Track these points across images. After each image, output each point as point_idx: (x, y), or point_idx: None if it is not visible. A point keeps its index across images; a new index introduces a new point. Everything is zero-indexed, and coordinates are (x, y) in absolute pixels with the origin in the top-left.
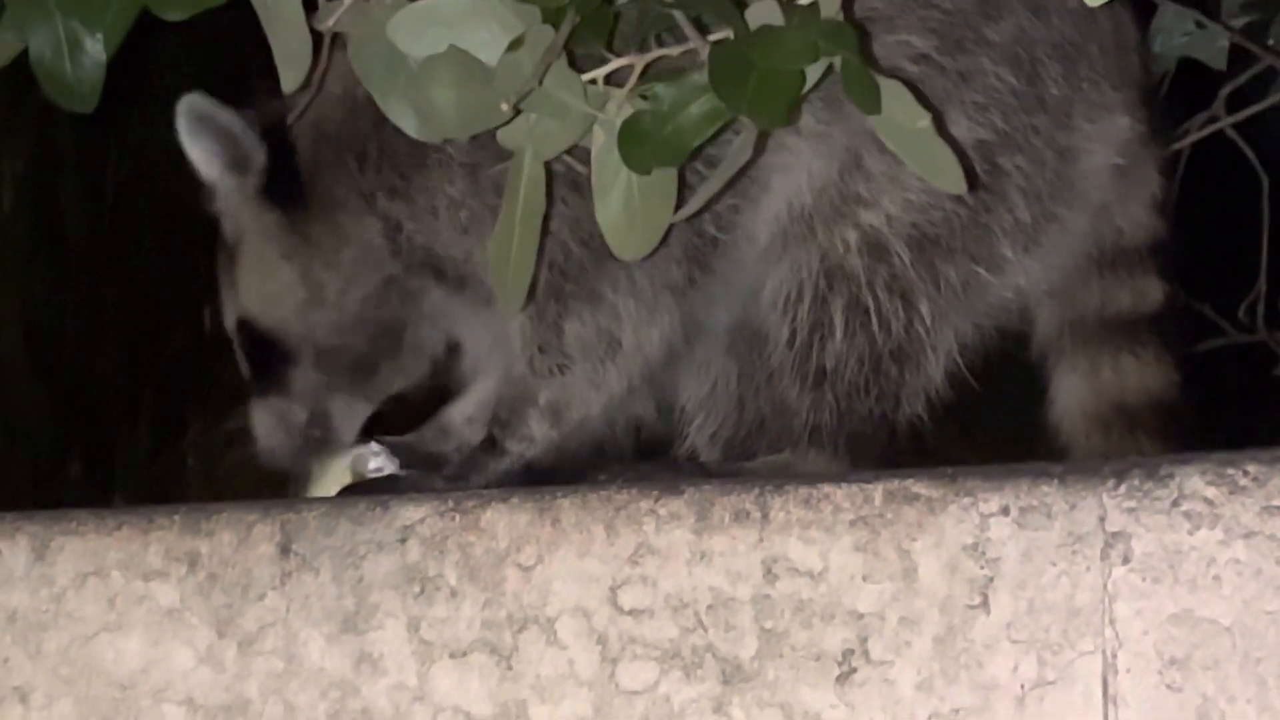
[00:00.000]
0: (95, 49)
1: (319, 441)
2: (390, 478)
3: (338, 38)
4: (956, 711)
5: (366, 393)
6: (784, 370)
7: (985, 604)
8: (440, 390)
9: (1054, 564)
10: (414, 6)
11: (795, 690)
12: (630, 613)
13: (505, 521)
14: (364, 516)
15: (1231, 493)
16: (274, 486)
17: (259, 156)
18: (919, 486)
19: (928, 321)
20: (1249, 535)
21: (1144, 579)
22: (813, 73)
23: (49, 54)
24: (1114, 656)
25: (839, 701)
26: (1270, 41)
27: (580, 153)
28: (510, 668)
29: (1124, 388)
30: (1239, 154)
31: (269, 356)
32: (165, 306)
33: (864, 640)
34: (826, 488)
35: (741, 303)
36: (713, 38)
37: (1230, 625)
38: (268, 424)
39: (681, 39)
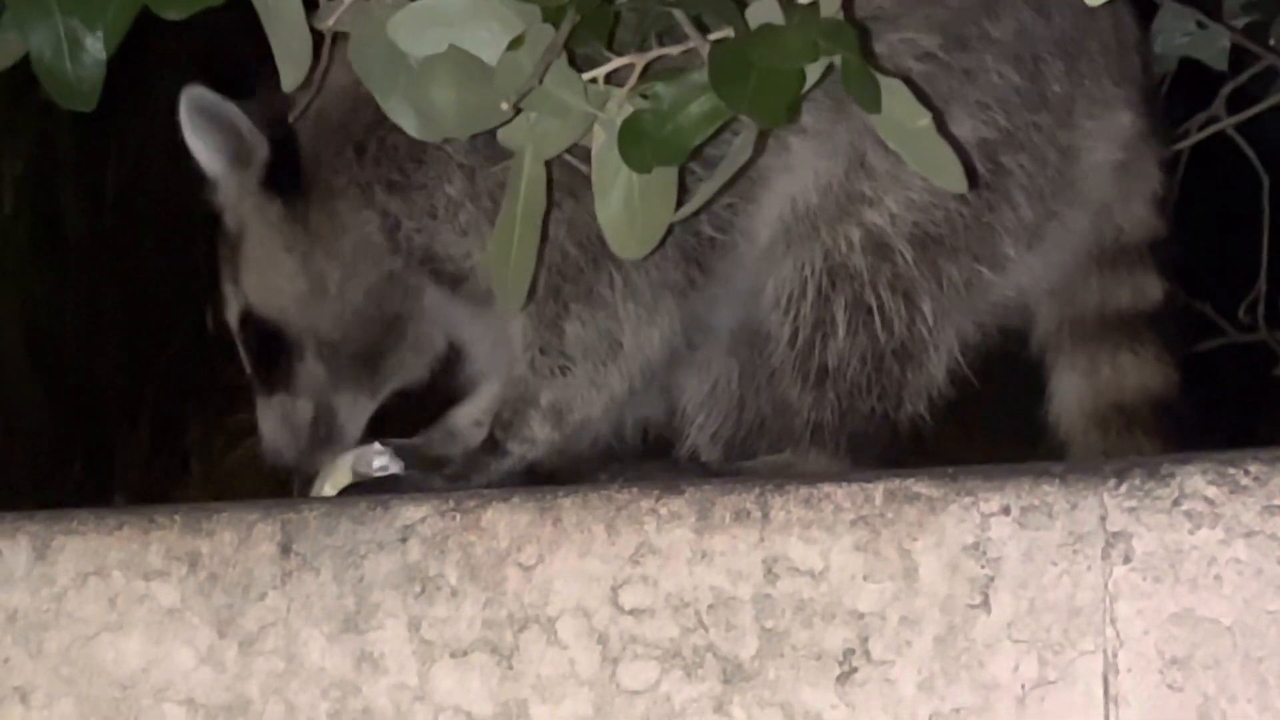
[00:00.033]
0: (95, 48)
1: (325, 439)
2: (391, 477)
3: (339, 35)
4: (957, 711)
5: (370, 387)
6: (785, 369)
7: (986, 603)
8: (447, 393)
9: (1055, 563)
10: (414, 6)
11: (796, 690)
12: (631, 612)
13: (506, 521)
14: (365, 516)
15: (1232, 492)
16: (275, 486)
17: (261, 148)
18: (920, 486)
19: (930, 320)
20: (1250, 535)
21: (1145, 578)
22: (813, 72)
23: (49, 53)
24: (1115, 656)
25: (840, 701)
26: (1272, 41)
27: (580, 152)
28: (511, 667)
29: (1123, 386)
30: (1239, 153)
31: (273, 352)
32: (165, 307)
33: (865, 640)
34: (827, 487)
35: (743, 302)
36: (713, 37)
37: (1231, 625)
38: (273, 422)
39: (682, 38)
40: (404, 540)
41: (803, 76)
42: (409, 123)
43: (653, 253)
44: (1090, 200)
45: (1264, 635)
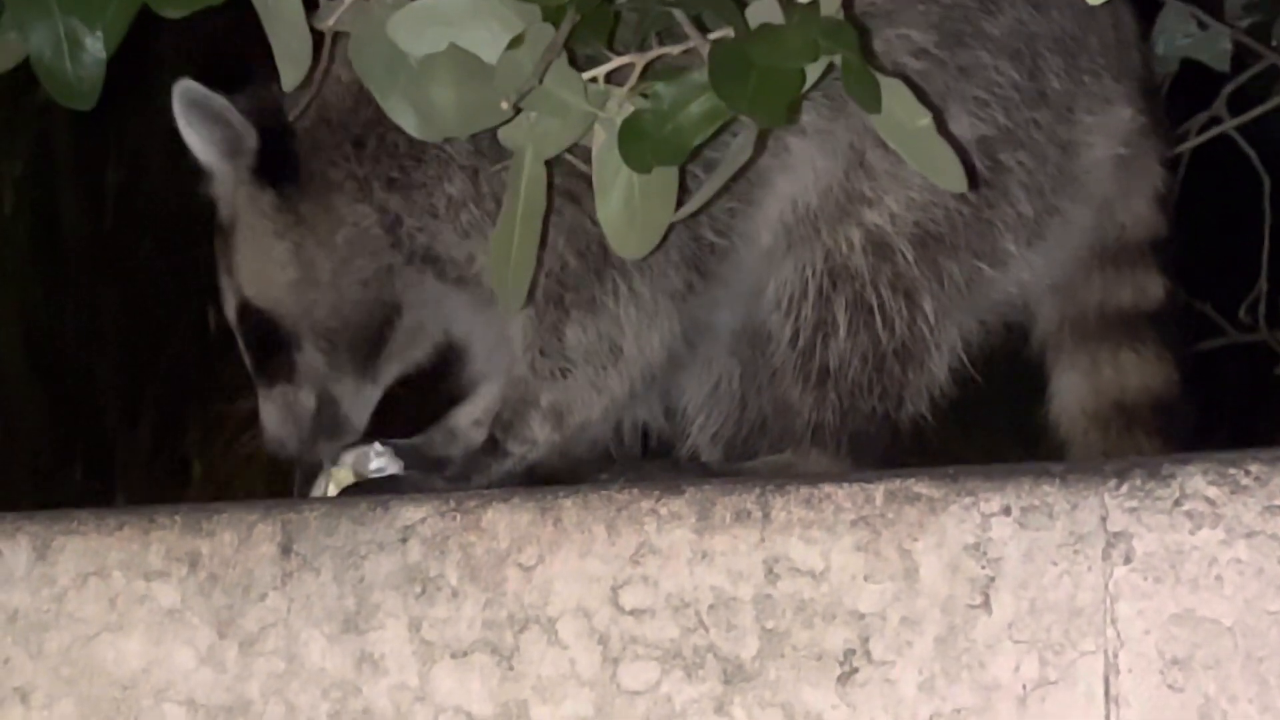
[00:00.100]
0: (95, 47)
1: (330, 428)
2: (391, 478)
3: (339, 34)
4: (958, 711)
5: (371, 375)
6: (786, 369)
7: (987, 604)
8: (447, 393)
9: (1055, 564)
10: (414, 5)
11: (797, 690)
12: (632, 612)
13: (506, 521)
14: (365, 517)
15: (1233, 492)
16: (276, 484)
17: (251, 138)
18: (920, 486)
19: (931, 319)
20: (1251, 535)
21: (1146, 579)
22: (813, 71)
23: (49, 52)
24: (1116, 656)
25: (840, 701)
26: (1273, 42)
27: (581, 154)
28: (511, 668)
29: (1124, 385)
30: (1240, 153)
31: (271, 343)
32: (165, 307)
33: (865, 640)
34: (828, 487)
35: (743, 303)
36: (713, 36)
37: (1232, 625)
38: (274, 413)
39: (682, 38)
40: (404, 541)
41: (803, 76)
42: (409, 122)
43: (653, 258)
44: (1091, 196)
45: (1265, 635)
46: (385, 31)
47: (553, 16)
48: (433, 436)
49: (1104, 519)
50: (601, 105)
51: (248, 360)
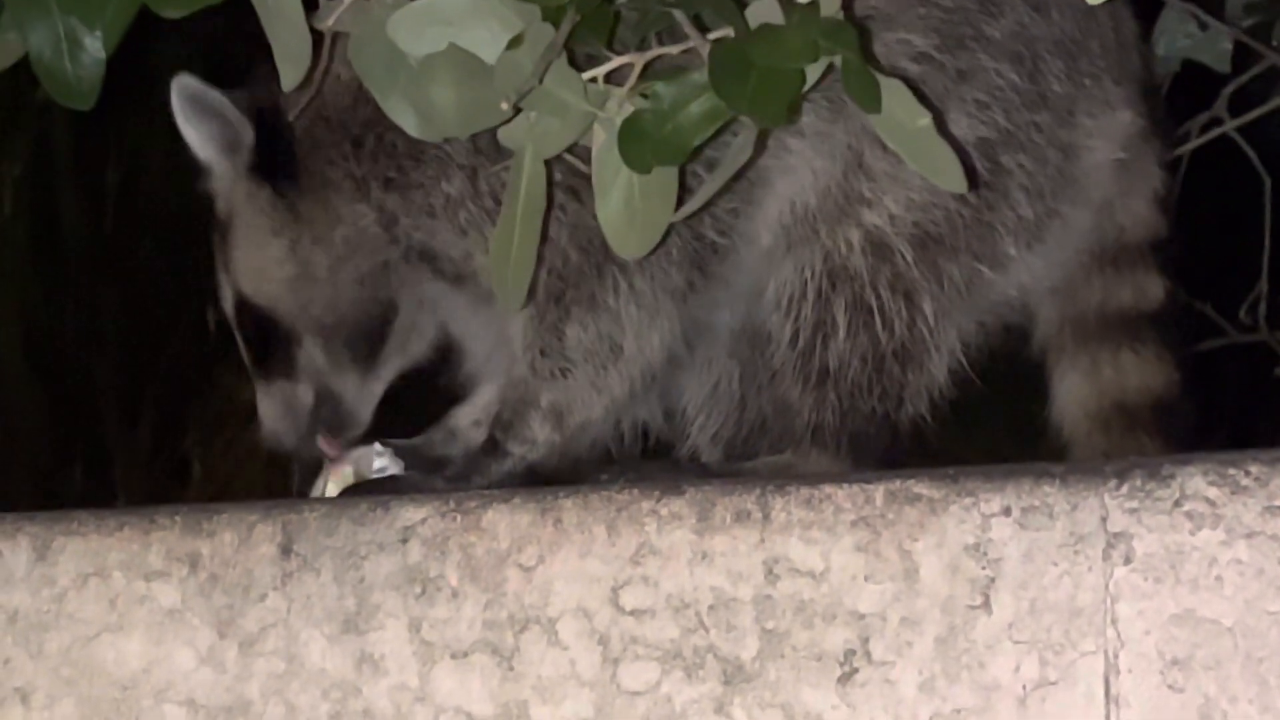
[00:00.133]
0: (94, 46)
1: (335, 423)
2: (391, 478)
3: (339, 33)
4: (958, 712)
5: (372, 370)
6: (786, 370)
7: (987, 604)
8: (447, 393)
9: (1056, 564)
10: (414, 5)
11: (797, 691)
12: (632, 613)
13: (506, 522)
14: (365, 517)
15: (1233, 493)
16: (276, 480)
17: (247, 135)
18: (920, 487)
19: (931, 321)
20: (1251, 535)
21: (1146, 579)
22: (813, 72)
23: (49, 52)
24: (1116, 657)
25: (840, 702)
26: (1274, 42)
27: (581, 153)
28: (512, 668)
29: (1125, 386)
30: (1241, 154)
31: (270, 338)
32: (165, 308)
33: (865, 641)
34: (828, 488)
35: (743, 304)
36: (713, 36)
37: (1232, 625)
38: (273, 407)
39: (682, 37)
40: (404, 541)
41: (802, 76)
42: (409, 122)
43: (655, 257)
44: (1091, 199)
45: (1265, 636)
46: (385, 31)
47: (552, 16)
48: (433, 437)
49: (1104, 519)
50: (601, 105)
51: (245, 355)
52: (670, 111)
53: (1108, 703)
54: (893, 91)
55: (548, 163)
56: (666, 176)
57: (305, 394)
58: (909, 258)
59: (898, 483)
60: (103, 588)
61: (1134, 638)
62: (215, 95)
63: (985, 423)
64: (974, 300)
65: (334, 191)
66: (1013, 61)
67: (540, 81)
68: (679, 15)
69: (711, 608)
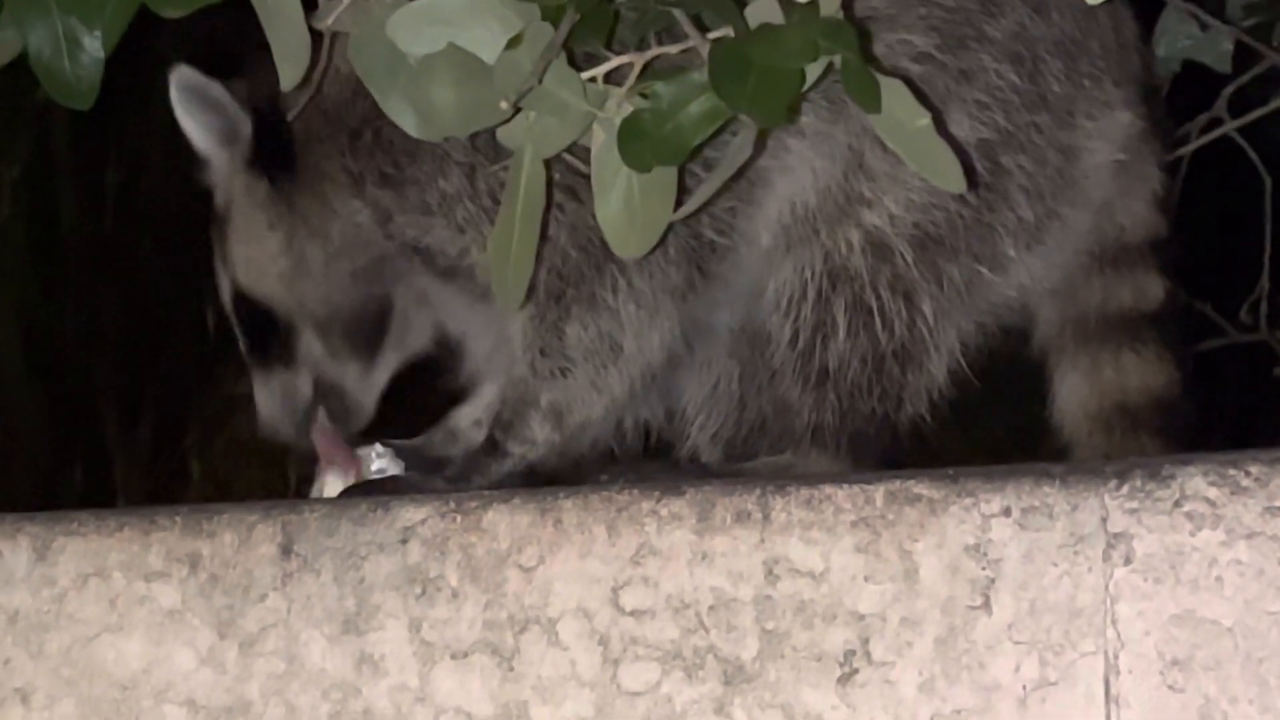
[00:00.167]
0: (93, 46)
1: (338, 415)
2: (392, 478)
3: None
4: (958, 712)
5: (375, 361)
6: (786, 370)
7: (987, 605)
8: (447, 393)
9: (1056, 565)
10: (413, 5)
11: (797, 691)
12: (632, 613)
13: (507, 522)
14: (365, 517)
15: (1233, 493)
16: (275, 488)
17: (245, 126)
18: (920, 487)
19: (930, 321)
20: (1251, 536)
21: (1146, 580)
22: (812, 71)
23: (48, 51)
24: (1116, 657)
25: (840, 702)
26: (1275, 43)
27: (581, 153)
28: (512, 669)
29: (1126, 387)
30: (1241, 154)
31: (268, 328)
32: (164, 308)
33: (865, 641)
34: (828, 488)
35: (743, 304)
36: (712, 36)
37: (1232, 626)
38: (271, 397)
39: (681, 37)
40: (404, 541)
41: (802, 75)
42: (408, 122)
43: (654, 256)
44: (1091, 200)
45: (1265, 636)
46: (384, 31)
47: (552, 16)
48: (433, 437)
49: (1104, 520)
50: (601, 105)
51: (243, 345)
52: (670, 111)
53: (1108, 703)
54: (892, 91)
55: (547, 162)
56: (666, 176)
57: (304, 383)
58: (909, 258)
59: (898, 483)
60: (103, 588)
61: (1134, 638)
62: (215, 87)
63: (985, 423)
64: (974, 301)
65: (330, 185)
66: (1013, 62)
67: (539, 81)
68: (679, 14)
69: (712, 608)
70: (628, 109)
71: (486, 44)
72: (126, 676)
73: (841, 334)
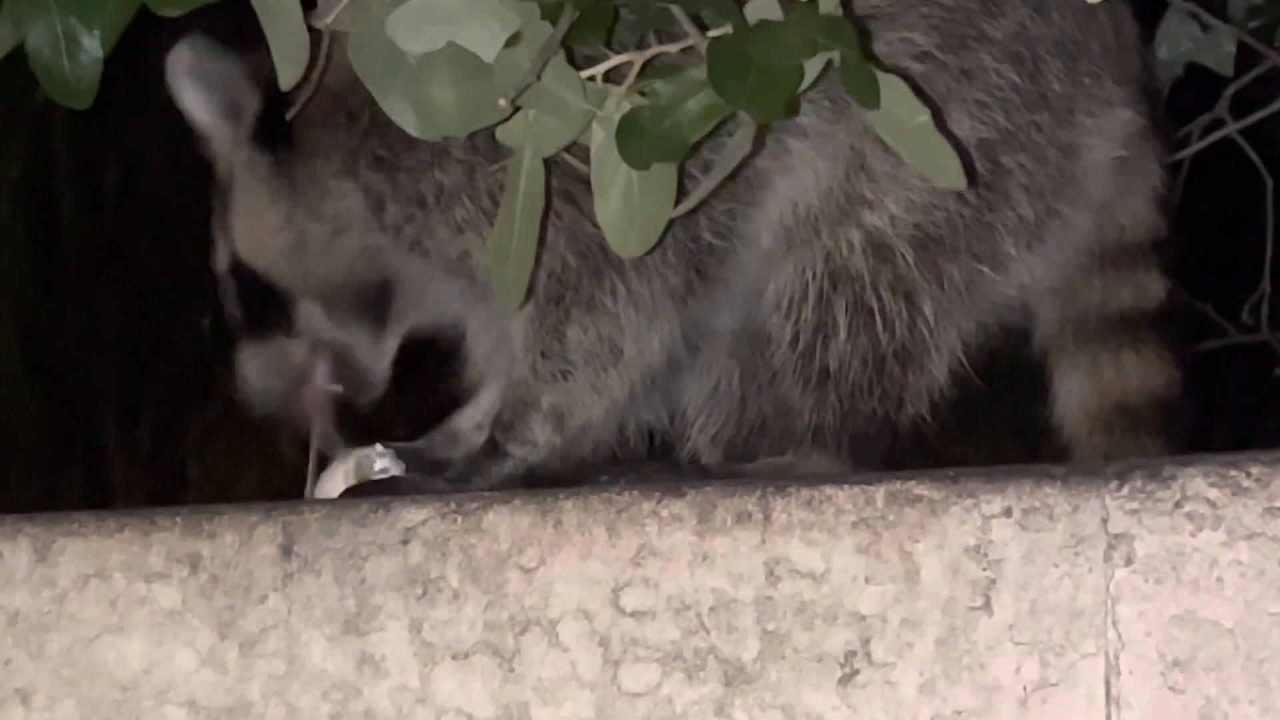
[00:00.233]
0: (92, 45)
1: (350, 384)
2: (392, 479)
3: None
4: (959, 713)
5: (383, 330)
6: (787, 371)
7: (987, 605)
8: (448, 395)
9: (1056, 565)
10: (412, 3)
11: (797, 692)
12: (632, 614)
13: (507, 523)
14: (366, 518)
15: (1234, 494)
16: (274, 488)
17: (252, 102)
18: (921, 488)
19: (931, 321)
20: (1251, 537)
21: (1146, 580)
22: (811, 68)
23: (47, 50)
24: (1116, 658)
25: (841, 703)
26: (1278, 44)
27: (579, 154)
28: (512, 669)
29: (1126, 387)
30: (1242, 154)
31: (264, 298)
32: (164, 309)
33: (866, 642)
34: (829, 489)
35: (743, 304)
36: (712, 34)
37: (1233, 627)
38: (258, 367)
39: (680, 36)
40: (405, 542)
41: (801, 72)
42: (408, 121)
43: (654, 260)
44: (1091, 199)
45: (1266, 637)
46: (384, 30)
47: (551, 14)
48: (434, 439)
49: (1105, 521)
50: (600, 103)
51: (236, 314)
52: (668, 108)
53: (1108, 704)
54: (892, 88)
55: (547, 166)
56: (665, 174)
57: (297, 351)
58: (910, 259)
59: (898, 484)
60: (103, 589)
61: (1135, 639)
62: (223, 62)
63: (985, 423)
64: (974, 301)
65: (324, 162)
66: (1014, 62)
67: (538, 79)
68: (678, 13)
69: (712, 609)
70: (627, 108)
71: (486, 42)
72: (127, 677)
73: (842, 335)
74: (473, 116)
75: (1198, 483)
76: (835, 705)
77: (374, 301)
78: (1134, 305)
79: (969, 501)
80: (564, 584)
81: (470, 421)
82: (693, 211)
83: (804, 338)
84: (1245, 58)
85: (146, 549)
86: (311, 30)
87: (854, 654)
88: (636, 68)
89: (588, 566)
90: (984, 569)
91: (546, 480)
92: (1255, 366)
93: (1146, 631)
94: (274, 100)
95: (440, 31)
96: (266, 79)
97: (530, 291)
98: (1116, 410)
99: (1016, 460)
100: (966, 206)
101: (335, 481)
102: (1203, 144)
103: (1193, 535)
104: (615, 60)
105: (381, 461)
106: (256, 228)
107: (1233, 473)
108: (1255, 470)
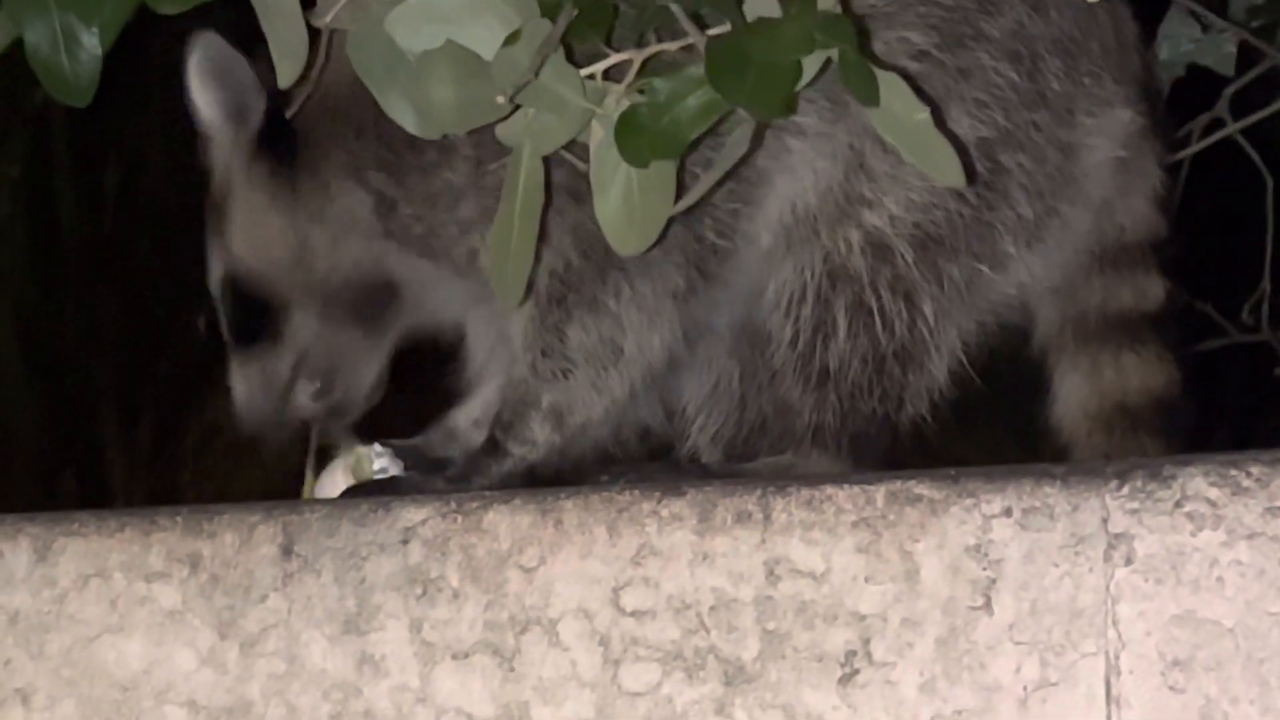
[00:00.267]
0: (91, 43)
1: (341, 392)
2: (392, 479)
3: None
4: (959, 713)
5: (375, 338)
6: (787, 371)
7: (988, 605)
8: (447, 393)
9: (1056, 565)
10: (411, 2)
11: (798, 691)
12: (632, 614)
13: (507, 523)
14: (366, 518)
15: (1234, 494)
16: (274, 488)
17: (259, 106)
18: (921, 488)
19: (931, 321)
20: (1252, 536)
21: (1147, 580)
22: (810, 65)
23: (46, 48)
24: (1117, 658)
25: (841, 703)
26: (1278, 45)
27: (581, 152)
28: (512, 669)
29: (1126, 387)
30: (1243, 154)
31: (257, 309)
32: (163, 309)
33: (866, 641)
34: (829, 489)
35: (744, 304)
36: (711, 32)
37: (1233, 626)
38: (249, 383)
39: (680, 34)
40: (405, 542)
41: (800, 69)
42: (407, 119)
43: (656, 259)
44: (1091, 198)
45: (1266, 637)
46: (383, 28)
47: (550, 12)
48: (432, 437)
49: (1105, 520)
50: (599, 101)
51: (227, 328)
52: (667, 105)
53: (1109, 704)
54: (890, 85)
55: (547, 165)
56: (664, 172)
57: (286, 365)
58: (909, 258)
59: (898, 484)
60: (103, 589)
61: (1135, 639)
62: (239, 61)
63: (985, 423)
64: (974, 300)
65: (328, 168)
66: (1012, 60)
67: (537, 77)
68: (677, 10)
69: (712, 609)
70: (626, 105)
71: (485, 40)
72: (127, 677)
73: (842, 334)
74: (472, 114)
75: (1198, 482)
76: (835, 705)
77: (372, 307)
78: (1134, 305)
79: (969, 501)
80: (564, 583)
81: (468, 418)
82: (697, 210)
83: (804, 337)
84: (1245, 58)
85: (147, 549)
86: (311, 29)
87: (854, 654)
88: (636, 65)
89: (588, 566)
90: (984, 569)
91: (546, 479)
92: (1255, 366)
93: (1146, 631)
94: (279, 104)
95: (439, 29)
96: (272, 84)
97: (531, 290)
98: (1116, 410)
99: (1016, 460)
100: (966, 206)
101: (335, 481)
102: (1203, 144)
103: (1193, 535)
104: (614, 58)
105: (380, 460)
106: (257, 233)
107: (1233, 472)
108: (1255, 470)
